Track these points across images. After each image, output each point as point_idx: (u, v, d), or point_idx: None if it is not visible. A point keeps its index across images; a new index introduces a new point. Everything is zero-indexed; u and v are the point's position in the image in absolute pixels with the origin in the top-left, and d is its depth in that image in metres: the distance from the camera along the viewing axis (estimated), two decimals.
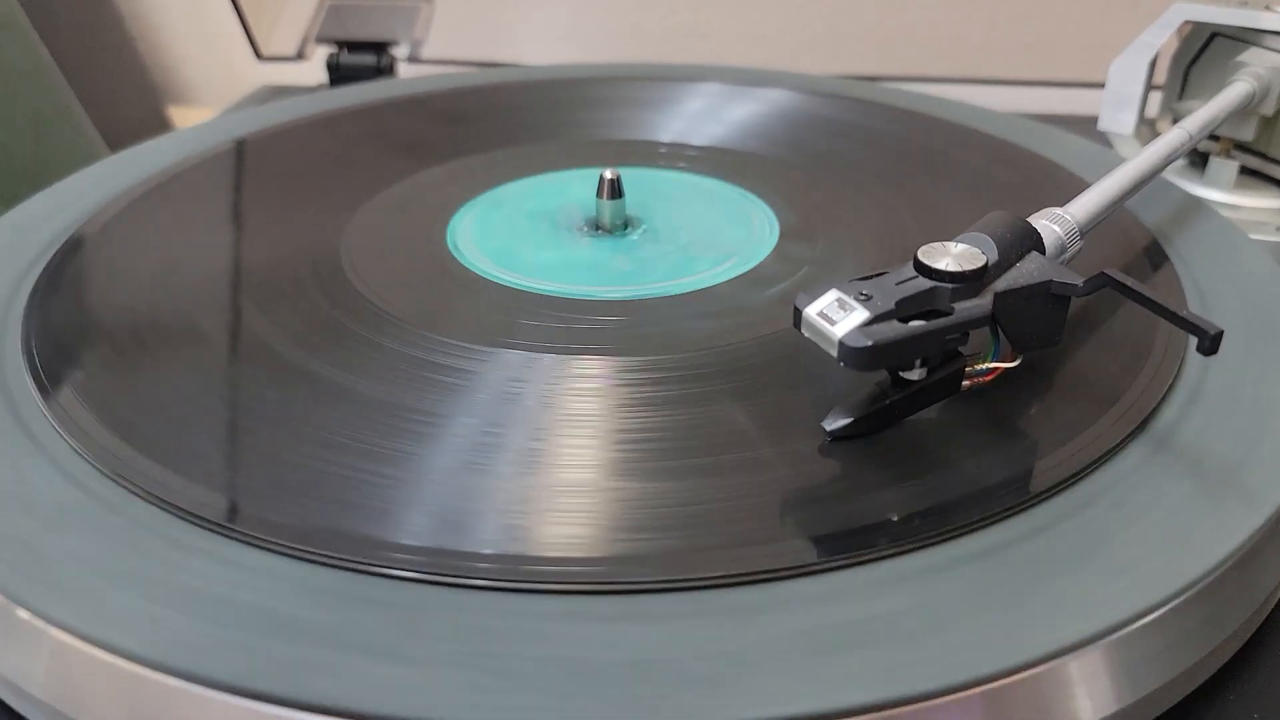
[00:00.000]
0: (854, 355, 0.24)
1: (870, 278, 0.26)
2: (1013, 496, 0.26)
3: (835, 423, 0.27)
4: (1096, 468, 0.27)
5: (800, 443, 0.27)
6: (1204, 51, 0.48)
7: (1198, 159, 0.49)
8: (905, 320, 0.25)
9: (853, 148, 0.48)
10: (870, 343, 0.24)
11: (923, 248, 0.27)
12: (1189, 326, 0.25)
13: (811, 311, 0.25)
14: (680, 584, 0.23)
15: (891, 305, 0.25)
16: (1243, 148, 0.47)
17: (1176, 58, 0.49)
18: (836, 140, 0.48)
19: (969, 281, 0.26)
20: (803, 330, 0.26)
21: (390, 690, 0.21)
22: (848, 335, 0.24)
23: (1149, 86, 0.47)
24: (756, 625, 0.22)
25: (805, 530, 0.25)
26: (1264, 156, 0.46)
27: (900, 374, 0.27)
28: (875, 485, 0.26)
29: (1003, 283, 0.26)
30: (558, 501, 0.26)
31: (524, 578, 0.23)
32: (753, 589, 0.23)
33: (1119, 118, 0.47)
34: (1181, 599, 0.24)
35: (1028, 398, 0.29)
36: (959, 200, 0.43)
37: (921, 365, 0.27)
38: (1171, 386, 0.30)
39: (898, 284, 0.26)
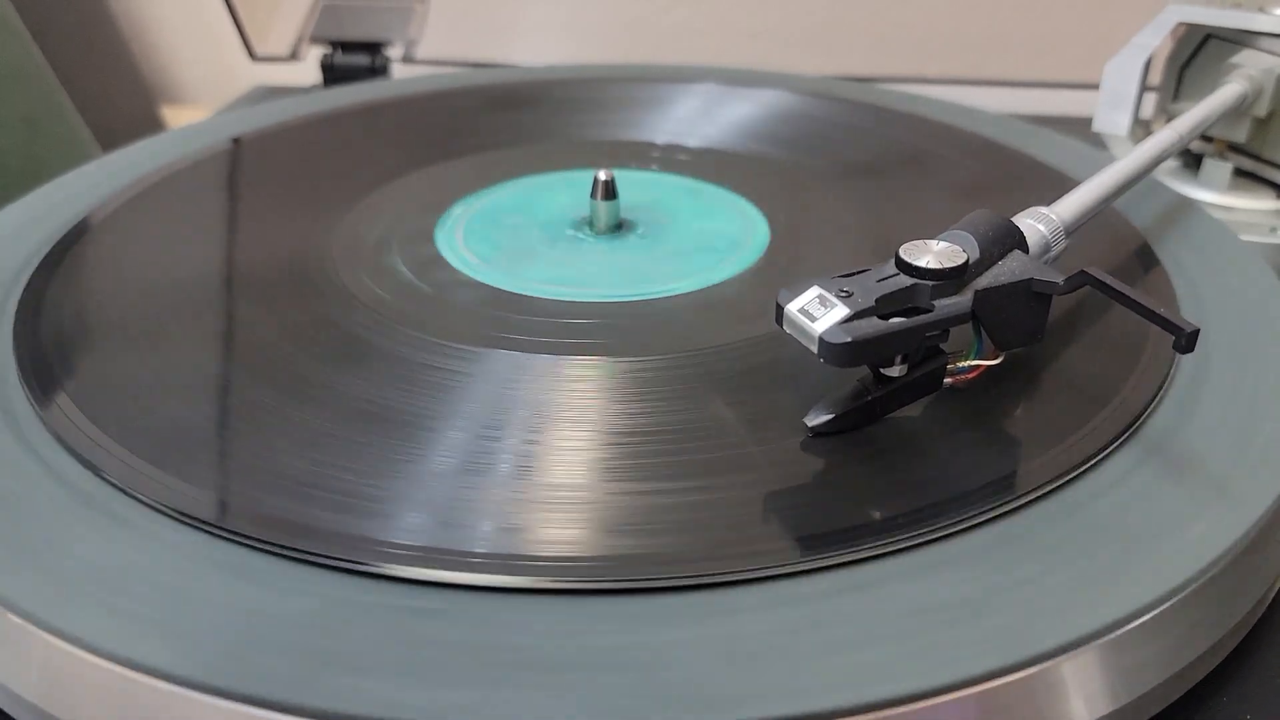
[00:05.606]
0: (833, 351, 0.24)
1: (852, 275, 0.26)
2: (1003, 497, 0.26)
3: (817, 419, 0.27)
4: (1088, 468, 0.27)
5: (790, 443, 0.27)
6: (1198, 53, 0.48)
7: (1191, 160, 0.49)
8: (886, 317, 0.25)
9: (844, 148, 0.47)
10: (849, 339, 0.24)
11: (904, 245, 0.27)
12: (1165, 324, 0.25)
13: (793, 308, 0.26)
14: (672, 584, 0.23)
15: (872, 302, 0.25)
16: (1237, 149, 0.47)
17: (1171, 59, 0.49)
18: (829, 141, 0.48)
19: (949, 279, 0.26)
20: (784, 327, 0.26)
21: (385, 690, 0.21)
22: (827, 331, 0.25)
23: (1144, 88, 0.47)
24: (747, 626, 0.22)
25: (796, 531, 0.25)
26: (1257, 158, 0.46)
27: (881, 370, 0.27)
28: (867, 486, 0.26)
29: (984, 280, 0.26)
30: (549, 502, 0.26)
31: (517, 577, 0.23)
32: (743, 589, 0.23)
33: (1114, 119, 0.47)
34: (1174, 600, 0.24)
35: (1019, 398, 0.29)
36: (950, 200, 0.42)
37: (903, 362, 0.27)
38: (1163, 388, 0.30)
39: (879, 281, 0.26)
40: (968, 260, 0.26)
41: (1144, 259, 0.37)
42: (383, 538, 0.24)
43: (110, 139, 0.60)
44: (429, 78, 0.58)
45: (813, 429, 0.27)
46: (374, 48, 0.68)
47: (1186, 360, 0.31)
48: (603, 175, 0.40)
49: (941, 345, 0.28)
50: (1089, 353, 0.32)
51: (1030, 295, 0.27)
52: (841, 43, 0.77)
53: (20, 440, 0.28)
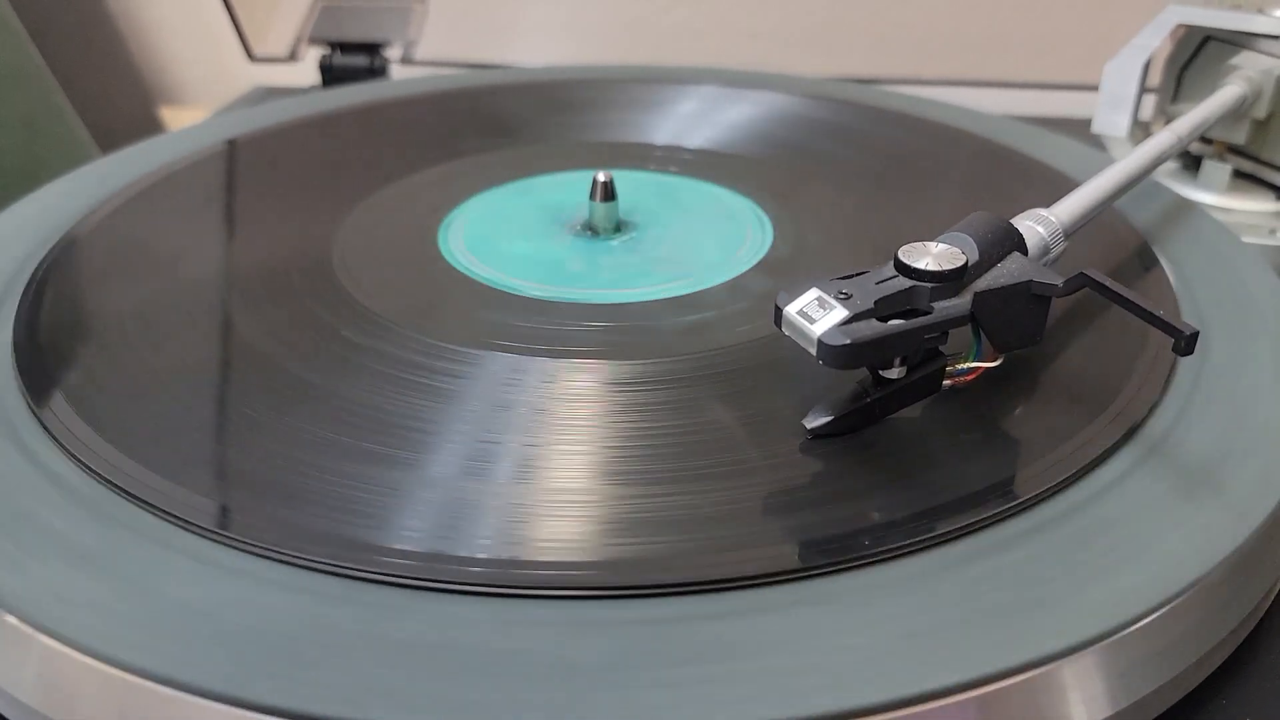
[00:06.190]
0: (832, 353, 0.24)
1: (851, 277, 0.26)
2: (1004, 499, 0.26)
3: (816, 420, 0.27)
4: (1088, 472, 0.27)
5: (791, 447, 0.27)
6: (1198, 54, 0.48)
7: (1191, 162, 0.48)
8: (884, 319, 0.25)
9: (845, 150, 0.47)
10: (848, 341, 0.24)
11: (903, 247, 0.27)
12: (1165, 327, 0.25)
13: (792, 310, 0.25)
14: (669, 589, 0.23)
15: (870, 304, 0.25)
16: (1236, 151, 0.47)
17: (1170, 61, 0.49)
18: (829, 142, 0.48)
19: (948, 281, 0.26)
20: (783, 329, 0.26)
21: (382, 695, 0.21)
22: (826, 333, 0.24)
23: (1143, 89, 0.47)
24: (745, 629, 0.22)
25: (796, 535, 0.25)
26: (1256, 160, 0.46)
27: (880, 372, 0.27)
28: (866, 489, 0.26)
29: (983, 282, 0.26)
30: (547, 505, 0.26)
31: (516, 583, 0.23)
32: (742, 594, 0.23)
33: (1113, 120, 0.47)
34: (1175, 603, 0.24)
35: (1019, 400, 0.29)
36: (950, 202, 0.42)
37: (901, 364, 0.27)
38: (1163, 392, 0.30)
39: (878, 283, 0.26)
40: (966, 262, 0.26)
41: (1144, 260, 0.37)
42: (381, 542, 0.24)
43: (110, 139, 0.60)
44: (428, 78, 0.57)
45: (812, 431, 0.27)
46: (373, 48, 0.68)
47: (1186, 362, 0.31)
48: (602, 176, 0.39)
49: (941, 347, 0.28)
50: (1089, 355, 0.32)
51: (1029, 297, 0.27)
52: (841, 43, 0.77)
53: (17, 443, 0.28)
